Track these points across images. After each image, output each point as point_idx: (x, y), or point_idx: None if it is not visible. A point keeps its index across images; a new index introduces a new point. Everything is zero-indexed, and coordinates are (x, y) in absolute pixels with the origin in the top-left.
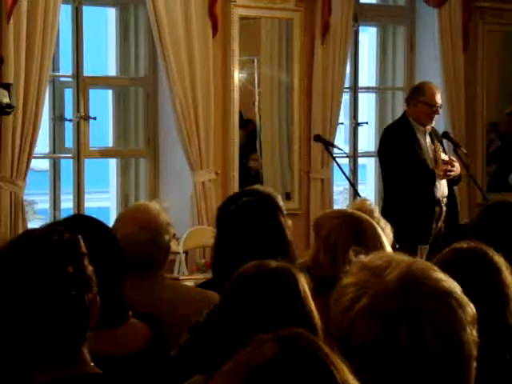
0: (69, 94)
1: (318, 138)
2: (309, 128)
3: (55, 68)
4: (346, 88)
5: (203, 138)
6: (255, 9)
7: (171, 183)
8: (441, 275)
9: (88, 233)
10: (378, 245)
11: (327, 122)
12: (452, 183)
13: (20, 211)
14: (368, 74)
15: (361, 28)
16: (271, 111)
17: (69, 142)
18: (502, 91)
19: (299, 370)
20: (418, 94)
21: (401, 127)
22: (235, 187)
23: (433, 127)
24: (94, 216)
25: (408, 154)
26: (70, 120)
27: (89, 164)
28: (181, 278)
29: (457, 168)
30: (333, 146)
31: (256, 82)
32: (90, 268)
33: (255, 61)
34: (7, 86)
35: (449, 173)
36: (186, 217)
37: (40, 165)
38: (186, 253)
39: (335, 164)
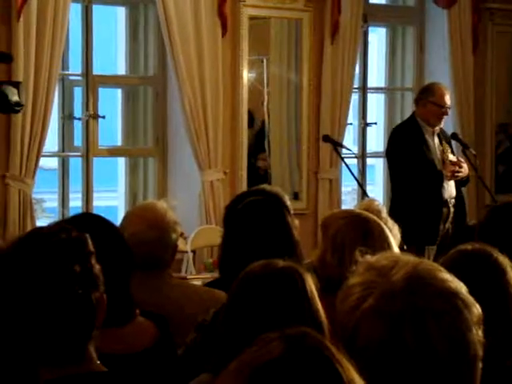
0: (78, 93)
1: (326, 139)
2: (317, 128)
3: (65, 66)
4: (355, 88)
5: (212, 138)
6: (264, 9)
7: (179, 182)
8: (447, 276)
9: (95, 231)
10: (385, 245)
11: (336, 122)
12: (460, 184)
13: (28, 209)
14: (377, 75)
15: (370, 28)
16: (280, 111)
17: (78, 140)
18: (511, 92)
19: (305, 368)
20: (428, 95)
21: (409, 128)
22: (243, 187)
23: (441, 128)
24: (102, 215)
25: (416, 154)
26: (79, 118)
27: (97, 163)
28: (188, 277)
29: (465, 169)
30: (341, 146)
31: (265, 81)
32: (97, 267)
33: (264, 60)
34: (16, 84)
35: (456, 174)
36: (194, 216)
37: (49, 163)
38: (193, 252)
39: (344, 164)
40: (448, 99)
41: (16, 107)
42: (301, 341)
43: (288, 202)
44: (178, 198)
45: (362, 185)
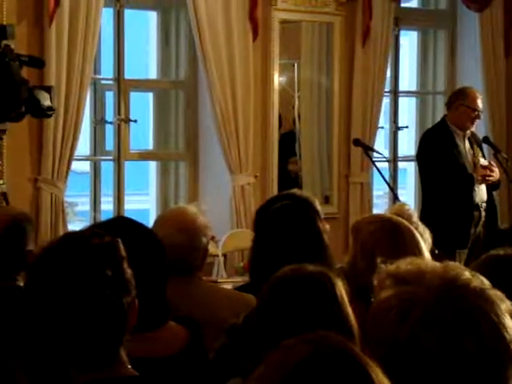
0: (110, 97)
1: (357, 143)
2: (348, 132)
3: (96, 71)
4: (387, 92)
5: (242, 142)
6: (296, 12)
7: (210, 186)
8: (468, 274)
9: (131, 235)
10: (415, 250)
11: (367, 126)
12: (491, 188)
13: (60, 213)
14: (409, 78)
15: (402, 32)
16: (311, 115)
17: (109, 144)
18: None
19: (334, 368)
20: (460, 98)
21: (440, 132)
22: (274, 191)
23: (472, 132)
24: (134, 218)
25: (447, 158)
26: (111, 122)
27: (129, 166)
28: (219, 280)
29: (496, 173)
30: (372, 150)
31: (296, 85)
32: (128, 271)
33: (295, 64)
34: (48, 89)
35: (488, 178)
36: (225, 220)
37: (81, 167)
38: (224, 255)
39: (375, 168)
40: (480, 103)
41: (48, 112)
42: (327, 342)
43: (318, 207)
44: (209, 201)
45: (393, 189)
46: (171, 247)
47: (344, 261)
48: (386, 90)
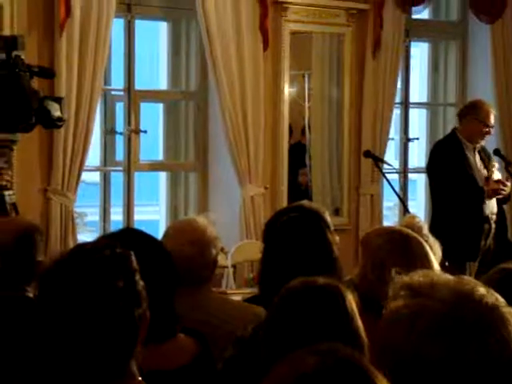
0: (120, 108)
1: (367, 154)
2: (359, 143)
3: (107, 81)
4: (397, 103)
5: (252, 153)
6: (306, 24)
7: (220, 197)
8: (485, 290)
9: (139, 247)
10: (425, 263)
11: (377, 138)
12: (501, 202)
13: (70, 223)
14: (419, 90)
15: (412, 43)
16: (321, 126)
17: (119, 155)
18: None
19: (341, 380)
20: (474, 112)
21: (450, 143)
22: (284, 202)
23: (483, 146)
24: (144, 229)
25: (457, 170)
26: (121, 133)
27: (139, 177)
28: (228, 291)
29: (508, 188)
30: (382, 161)
31: (306, 96)
32: (140, 283)
33: (306, 75)
34: (59, 100)
35: (500, 191)
36: (235, 231)
37: (91, 177)
38: (234, 267)
39: (385, 180)
40: (493, 119)
41: (58, 122)
42: (334, 353)
43: (328, 219)
44: (219, 212)
45: (403, 200)
46: (181, 259)
47: (354, 273)
48: (397, 101)
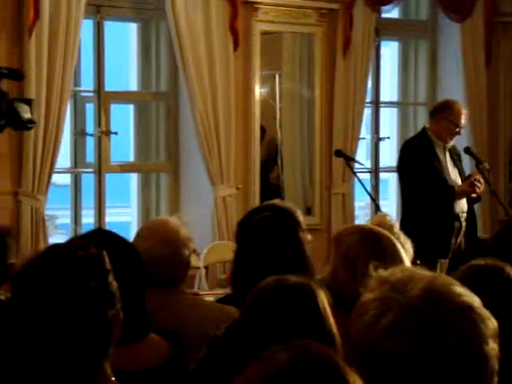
0: (90, 109)
1: (339, 153)
2: (330, 143)
3: (77, 83)
4: (368, 103)
5: (224, 153)
6: (277, 24)
7: (192, 198)
8: (461, 290)
9: (109, 247)
10: (397, 260)
11: (348, 137)
12: (472, 202)
13: (41, 226)
14: (390, 89)
15: (383, 42)
16: (292, 126)
17: (90, 156)
18: None
19: (313, 375)
20: (445, 111)
21: (420, 142)
22: (256, 202)
23: (452, 145)
24: (115, 231)
25: (427, 169)
26: (92, 135)
27: (110, 179)
28: (201, 293)
29: (480, 189)
30: (354, 160)
31: (277, 96)
32: (114, 284)
33: (276, 76)
34: (29, 101)
35: (472, 193)
36: (207, 232)
37: (61, 179)
38: (206, 268)
39: (356, 179)
40: (464, 119)
41: (28, 124)
42: (305, 350)
43: (300, 217)
44: (191, 213)
45: (374, 199)
46: (154, 259)
47: (325, 272)
48: (368, 100)
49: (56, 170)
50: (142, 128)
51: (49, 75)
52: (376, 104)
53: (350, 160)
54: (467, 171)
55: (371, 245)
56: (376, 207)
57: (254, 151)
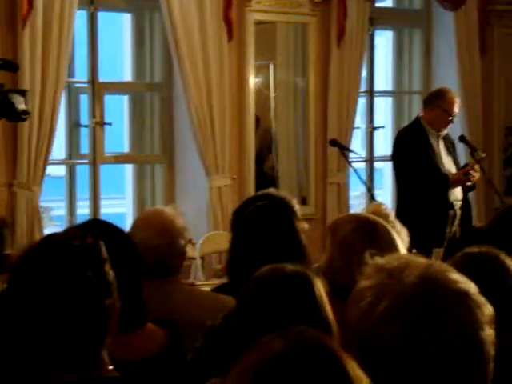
0: (84, 100)
1: (334, 143)
2: (325, 132)
3: (71, 74)
4: (362, 92)
5: (219, 143)
6: (270, 13)
7: (187, 188)
8: (457, 276)
9: (105, 237)
10: (393, 249)
11: (343, 127)
12: (467, 190)
13: (36, 217)
14: (384, 78)
15: (377, 32)
16: (287, 116)
17: (84, 147)
18: None
19: (308, 361)
20: (438, 100)
21: (413, 131)
22: (251, 192)
23: (446, 133)
24: (111, 221)
25: (421, 158)
26: (86, 126)
27: (105, 170)
28: (197, 283)
29: (476, 175)
30: (349, 150)
31: (272, 86)
32: (110, 273)
33: (271, 65)
34: (23, 93)
35: (466, 182)
36: (203, 222)
37: (56, 171)
38: (202, 258)
39: (351, 168)
40: (457, 107)
41: (23, 115)
42: (301, 336)
43: (296, 206)
44: (186, 204)
45: (369, 189)
46: (150, 249)
47: (321, 260)
48: (362, 89)
49: (51, 162)
50: (137, 119)
51: (43, 66)
52: (370, 93)
53: (344, 149)
54: (462, 159)
55: (367, 233)
56: (371, 196)
57: (248, 141)
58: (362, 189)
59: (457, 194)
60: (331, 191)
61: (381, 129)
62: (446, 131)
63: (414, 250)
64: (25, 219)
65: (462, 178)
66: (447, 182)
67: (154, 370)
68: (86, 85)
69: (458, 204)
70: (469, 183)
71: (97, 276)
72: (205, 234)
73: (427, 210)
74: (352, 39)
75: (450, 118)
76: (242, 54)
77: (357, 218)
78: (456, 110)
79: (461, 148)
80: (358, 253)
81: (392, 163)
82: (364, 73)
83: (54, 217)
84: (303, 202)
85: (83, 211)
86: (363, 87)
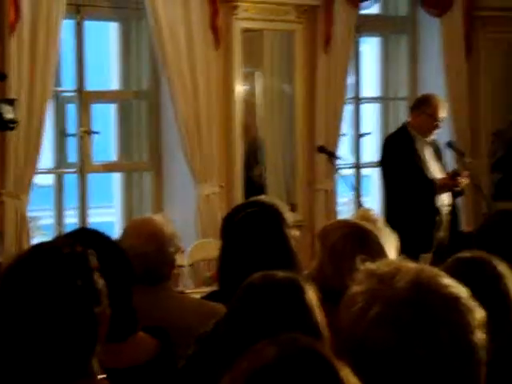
0: (72, 109)
1: (321, 149)
2: (312, 139)
3: (58, 83)
4: (349, 99)
5: (206, 151)
6: (257, 21)
7: (175, 196)
8: (448, 281)
9: (95, 246)
10: (382, 254)
11: (330, 133)
12: (454, 195)
13: (24, 226)
14: (371, 85)
15: (363, 38)
16: (274, 123)
17: (72, 156)
18: (505, 99)
19: (301, 369)
20: (423, 106)
21: (400, 137)
22: (239, 200)
23: (433, 140)
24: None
25: (407, 164)
26: (74, 135)
27: (92, 179)
28: (186, 291)
29: (463, 183)
30: (336, 156)
31: (259, 94)
32: (100, 281)
33: (258, 73)
34: (11, 102)
35: (454, 188)
36: (191, 230)
37: (44, 180)
38: (191, 266)
39: (339, 175)
40: (443, 113)
41: (11, 124)
42: (293, 343)
43: (286, 213)
44: (175, 212)
45: (357, 195)
46: (139, 256)
47: (311, 267)
48: (349, 96)
49: (38, 171)
50: (124, 127)
51: (30, 75)
52: (357, 100)
53: (332, 156)
54: (449, 165)
55: (356, 239)
56: (359, 203)
57: (236, 149)
58: (350, 195)
59: (444, 199)
60: (319, 198)
61: (368, 135)
62: (432, 137)
63: (401, 256)
64: (13, 228)
65: (449, 182)
66: (434, 187)
67: (145, 378)
68: (73, 94)
69: (445, 209)
70: (457, 188)
71: (86, 284)
72: (193, 242)
73: (414, 215)
74: (338, 46)
75: (436, 123)
76: (228, 61)
77: (346, 224)
78: (442, 114)
79: (449, 153)
80: (347, 259)
81: (379, 169)
82: (351, 79)
83: (42, 226)
84: (291, 209)
85: (71, 220)
86: (350, 94)
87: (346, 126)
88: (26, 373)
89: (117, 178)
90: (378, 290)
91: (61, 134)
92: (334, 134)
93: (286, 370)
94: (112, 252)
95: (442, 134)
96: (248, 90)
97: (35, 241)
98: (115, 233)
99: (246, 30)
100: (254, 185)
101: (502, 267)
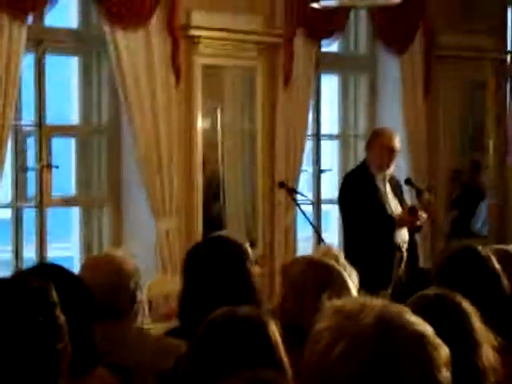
0: (31, 143)
1: (281, 185)
2: (272, 175)
3: (17, 116)
4: (309, 135)
5: (166, 186)
6: (218, 57)
7: (134, 231)
8: (414, 318)
9: (55, 280)
10: (344, 290)
11: (290, 169)
12: (413, 231)
13: None
14: (330, 122)
15: (323, 76)
16: (235, 159)
17: (31, 190)
18: (463, 138)
19: None
20: (377, 138)
21: (359, 174)
22: (199, 235)
23: (392, 176)
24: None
25: (367, 200)
26: (33, 169)
27: (51, 213)
28: (144, 326)
29: (422, 219)
30: (296, 192)
31: (220, 129)
32: (61, 317)
33: (218, 109)
34: None
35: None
36: (150, 265)
37: (2, 214)
38: (149, 302)
39: (299, 211)
40: (396, 142)
41: None
42: (256, 379)
43: (248, 250)
44: (133, 246)
45: (318, 231)
46: (100, 291)
47: (272, 303)
48: (309, 133)
49: None
50: (84, 161)
51: None
52: (317, 136)
53: (292, 192)
54: (408, 201)
55: (319, 275)
56: (319, 238)
57: (196, 184)
58: (310, 231)
59: (403, 235)
60: (279, 233)
61: (328, 172)
62: (391, 170)
63: (361, 292)
64: None
65: (408, 218)
66: (393, 223)
67: None
68: (32, 127)
69: (404, 246)
70: (417, 223)
71: (48, 320)
72: (152, 278)
73: (374, 252)
74: (299, 83)
75: (391, 155)
76: (189, 97)
77: (308, 260)
78: (394, 144)
79: (407, 191)
80: (309, 294)
81: (338, 206)
82: (310, 116)
83: (0, 261)
84: (251, 244)
85: (30, 254)
86: (310, 130)
87: (305, 163)
88: None
89: (76, 212)
90: (343, 326)
91: (20, 168)
92: (294, 169)
93: None
94: (73, 286)
95: (400, 172)
96: (209, 126)
97: None
98: (74, 267)
99: (207, 67)
100: (213, 220)
101: (465, 304)
